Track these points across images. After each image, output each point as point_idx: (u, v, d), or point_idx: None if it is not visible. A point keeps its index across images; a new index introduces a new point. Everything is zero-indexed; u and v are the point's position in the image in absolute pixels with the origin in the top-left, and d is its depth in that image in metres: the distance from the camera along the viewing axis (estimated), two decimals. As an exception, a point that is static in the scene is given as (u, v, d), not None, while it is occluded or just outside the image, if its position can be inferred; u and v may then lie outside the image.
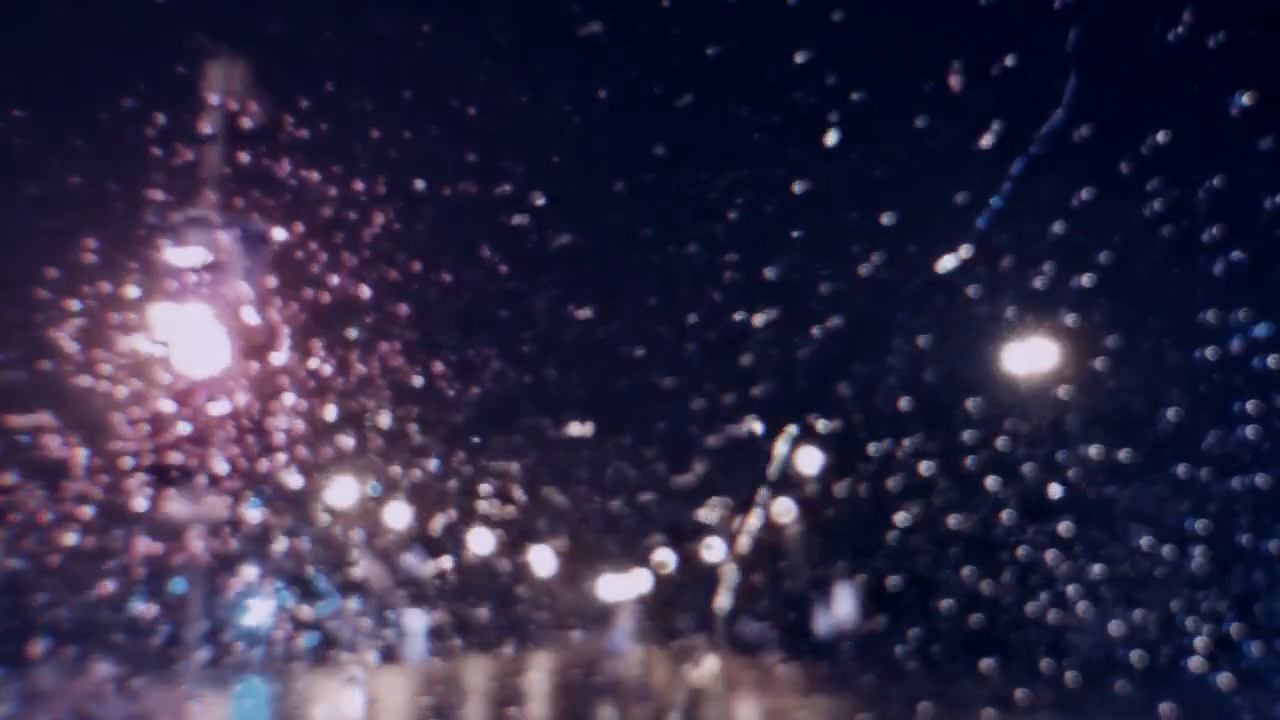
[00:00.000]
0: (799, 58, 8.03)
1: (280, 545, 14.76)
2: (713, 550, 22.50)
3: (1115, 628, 11.63)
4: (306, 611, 14.30)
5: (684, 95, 7.99)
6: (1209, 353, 10.76)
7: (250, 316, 4.49)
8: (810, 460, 18.23)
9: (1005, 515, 12.19)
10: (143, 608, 8.24)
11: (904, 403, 13.99)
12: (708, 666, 17.75)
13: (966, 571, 13.27)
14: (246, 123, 5.06)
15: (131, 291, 5.18)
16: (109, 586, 8.15)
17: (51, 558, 8.31)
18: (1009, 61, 8.05)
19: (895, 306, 11.54)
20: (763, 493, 19.41)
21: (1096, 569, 11.83)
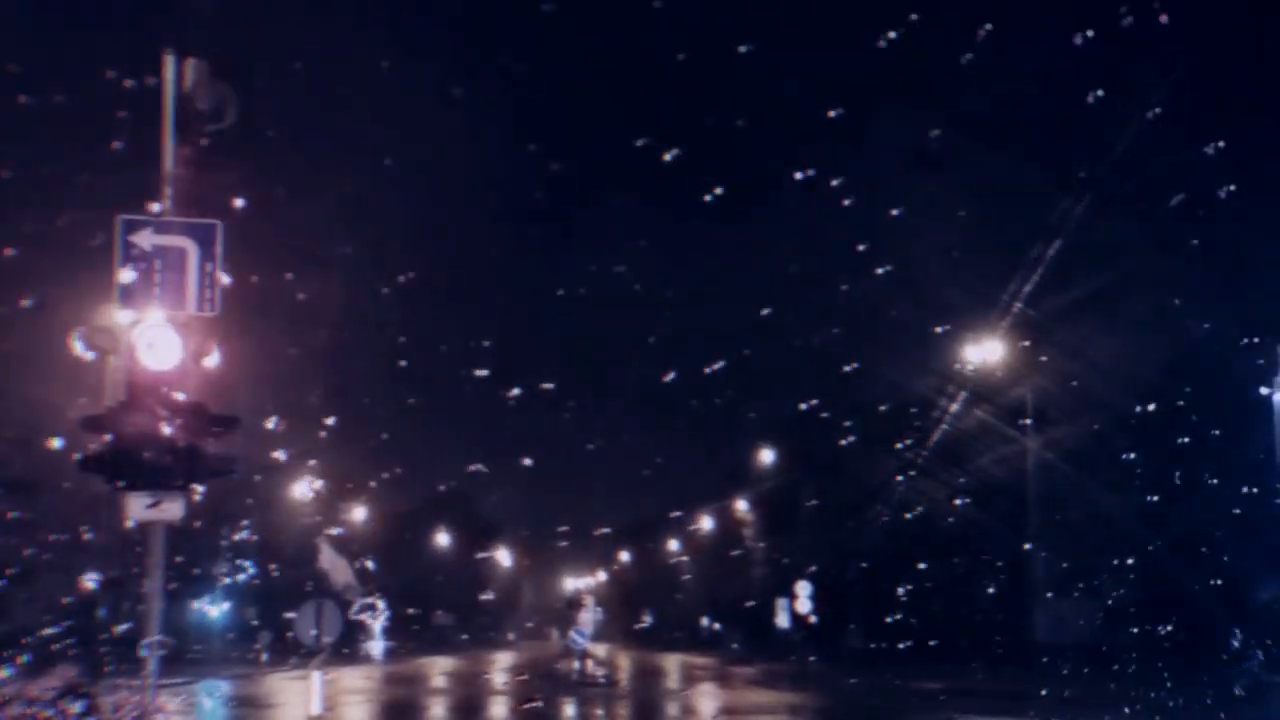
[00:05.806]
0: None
1: (241, 545, 14.72)
2: (673, 551, 22.61)
3: (1072, 617, 11.87)
4: (267, 611, 14.28)
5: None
6: (1169, 355, 11.04)
7: (206, 315, 4.53)
8: (769, 461, 18.36)
9: (963, 510, 12.39)
10: (102, 611, 8.24)
11: (861, 409, 14.20)
12: (666, 663, 17.79)
13: (926, 565, 13.46)
14: (203, 123, 5.11)
15: (85, 291, 5.20)
16: (67, 589, 8.15)
17: (8, 563, 8.31)
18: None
19: (851, 329, 11.91)
20: (723, 496, 19.48)
21: (1054, 560, 12.05)
